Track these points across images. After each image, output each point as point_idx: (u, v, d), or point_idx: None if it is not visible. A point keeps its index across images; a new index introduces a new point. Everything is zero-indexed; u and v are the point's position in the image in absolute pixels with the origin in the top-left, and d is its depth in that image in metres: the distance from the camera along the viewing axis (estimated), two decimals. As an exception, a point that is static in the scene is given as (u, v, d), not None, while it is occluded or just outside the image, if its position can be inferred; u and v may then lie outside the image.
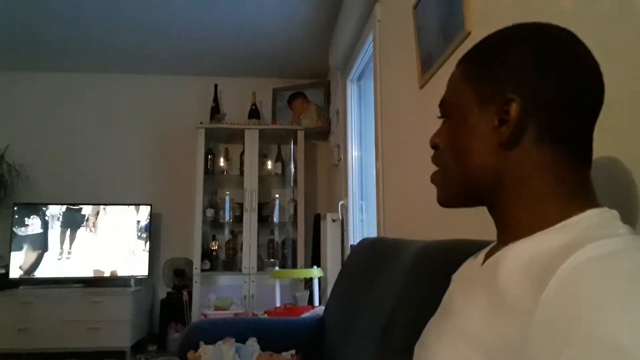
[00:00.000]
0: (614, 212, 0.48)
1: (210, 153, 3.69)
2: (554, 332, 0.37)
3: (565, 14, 0.82)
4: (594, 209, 0.48)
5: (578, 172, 0.51)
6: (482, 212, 0.60)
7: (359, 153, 2.93)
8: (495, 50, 0.55)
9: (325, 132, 3.86)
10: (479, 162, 0.54)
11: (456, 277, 0.67)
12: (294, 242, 3.61)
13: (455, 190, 0.59)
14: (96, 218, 3.57)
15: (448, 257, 0.90)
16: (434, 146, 0.62)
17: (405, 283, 1.03)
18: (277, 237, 3.76)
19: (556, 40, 0.52)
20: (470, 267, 0.61)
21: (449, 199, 0.60)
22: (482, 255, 0.60)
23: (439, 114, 0.63)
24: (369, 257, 1.51)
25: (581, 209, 0.48)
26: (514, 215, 0.53)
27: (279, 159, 3.77)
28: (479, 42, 0.59)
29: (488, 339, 0.45)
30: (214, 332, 1.60)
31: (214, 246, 3.68)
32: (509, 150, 0.52)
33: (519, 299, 0.43)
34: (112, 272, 3.50)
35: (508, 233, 0.53)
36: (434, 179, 0.62)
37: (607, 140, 0.65)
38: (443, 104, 0.62)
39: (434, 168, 0.63)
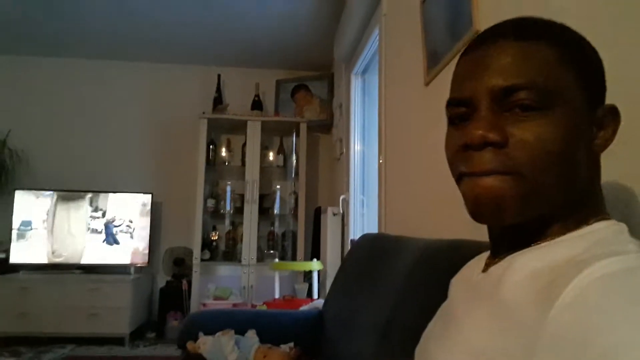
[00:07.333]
0: (622, 226, 0.47)
1: (212, 143, 3.68)
2: (565, 351, 0.36)
3: (571, 10, 0.81)
4: (602, 222, 0.47)
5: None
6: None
7: (361, 147, 2.92)
8: (571, 36, 0.51)
9: (328, 125, 3.84)
10: (581, 170, 0.48)
11: (456, 281, 0.64)
12: (294, 235, 3.61)
13: (549, 204, 0.47)
14: (97, 205, 3.57)
15: (449, 258, 0.90)
16: (492, 142, 0.46)
17: (407, 283, 1.03)
18: (278, 229, 3.76)
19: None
20: (471, 274, 0.59)
21: (526, 215, 0.47)
22: (482, 262, 0.58)
23: (525, 100, 0.46)
24: (371, 254, 1.51)
25: (590, 219, 0.48)
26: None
27: (280, 150, 3.76)
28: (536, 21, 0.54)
29: (492, 353, 0.44)
30: (213, 323, 1.61)
31: (214, 236, 3.69)
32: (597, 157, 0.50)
33: (524, 313, 0.42)
34: (112, 260, 3.52)
35: (508, 241, 0.52)
36: (497, 189, 0.46)
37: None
38: (534, 89, 0.46)
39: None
